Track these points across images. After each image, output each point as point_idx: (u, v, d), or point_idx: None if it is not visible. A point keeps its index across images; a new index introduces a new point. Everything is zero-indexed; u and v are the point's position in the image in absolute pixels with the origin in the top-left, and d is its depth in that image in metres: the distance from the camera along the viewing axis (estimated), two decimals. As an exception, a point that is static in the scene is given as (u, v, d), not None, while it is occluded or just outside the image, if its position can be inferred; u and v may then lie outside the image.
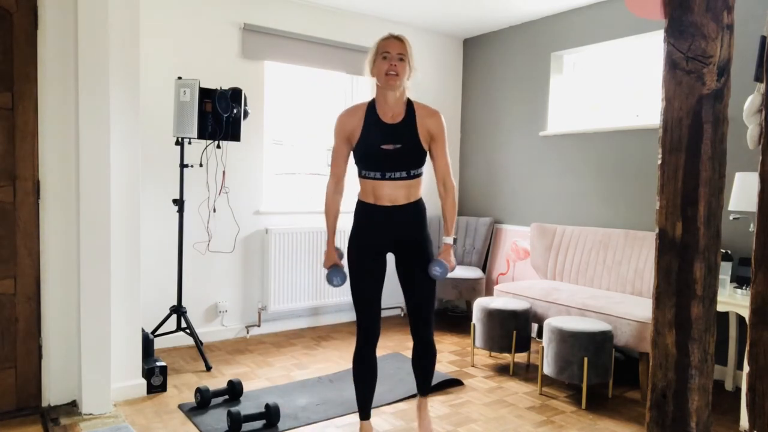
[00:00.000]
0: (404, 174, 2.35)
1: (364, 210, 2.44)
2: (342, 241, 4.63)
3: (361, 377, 2.51)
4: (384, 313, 4.97)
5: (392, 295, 4.62)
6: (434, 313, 2.51)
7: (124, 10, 2.93)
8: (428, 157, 2.45)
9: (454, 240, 2.41)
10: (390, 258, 2.52)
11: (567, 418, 2.97)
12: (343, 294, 4.67)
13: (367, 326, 2.47)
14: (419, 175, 2.41)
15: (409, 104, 2.40)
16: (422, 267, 2.43)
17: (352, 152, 2.44)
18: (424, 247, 2.44)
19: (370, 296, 2.46)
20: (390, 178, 2.35)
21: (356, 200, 2.48)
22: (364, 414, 2.55)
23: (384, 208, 2.38)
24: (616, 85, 4.32)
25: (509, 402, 3.17)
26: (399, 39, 2.34)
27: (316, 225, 4.56)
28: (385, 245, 2.45)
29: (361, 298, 2.46)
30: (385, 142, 2.33)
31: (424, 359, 2.54)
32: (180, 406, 2.97)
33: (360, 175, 2.42)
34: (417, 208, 2.43)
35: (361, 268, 2.44)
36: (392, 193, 2.37)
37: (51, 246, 2.84)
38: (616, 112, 4.29)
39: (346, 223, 4.66)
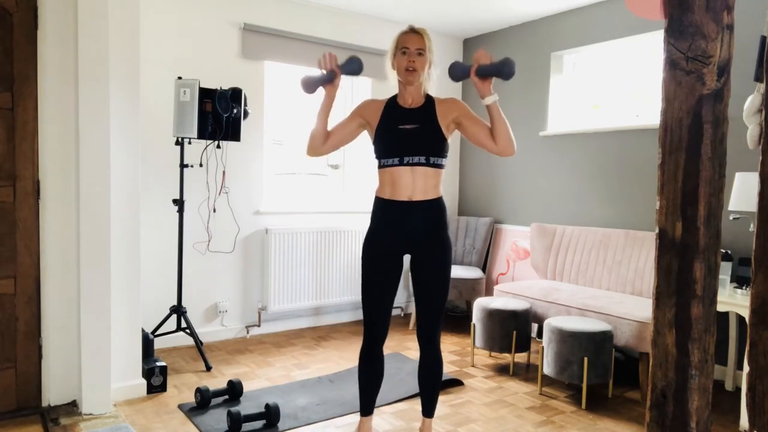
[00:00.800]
0: (423, 159, 2.31)
1: (380, 208, 2.41)
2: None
3: (367, 376, 2.50)
4: (384, 313, 4.98)
5: (392, 295, 4.62)
6: (442, 320, 2.47)
7: (124, 10, 2.93)
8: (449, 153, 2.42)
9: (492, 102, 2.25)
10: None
11: (567, 418, 2.97)
12: (344, 294, 4.67)
13: (377, 327, 2.45)
14: (439, 167, 2.35)
15: (428, 96, 2.43)
16: (436, 272, 2.38)
17: (372, 143, 2.42)
18: (441, 251, 2.38)
19: (382, 301, 2.43)
20: (408, 164, 2.31)
21: (373, 199, 2.46)
22: (366, 411, 2.55)
23: (400, 203, 2.34)
24: (616, 85, 4.32)
25: (509, 402, 3.17)
26: (418, 33, 2.34)
27: (316, 225, 4.56)
28: (401, 247, 2.40)
29: (371, 302, 2.43)
30: (403, 122, 2.35)
31: (430, 372, 2.48)
32: (180, 406, 2.97)
33: (379, 167, 2.39)
34: (436, 206, 2.37)
35: (374, 271, 2.41)
36: (410, 182, 2.32)
37: (51, 246, 2.84)
38: (616, 112, 4.29)
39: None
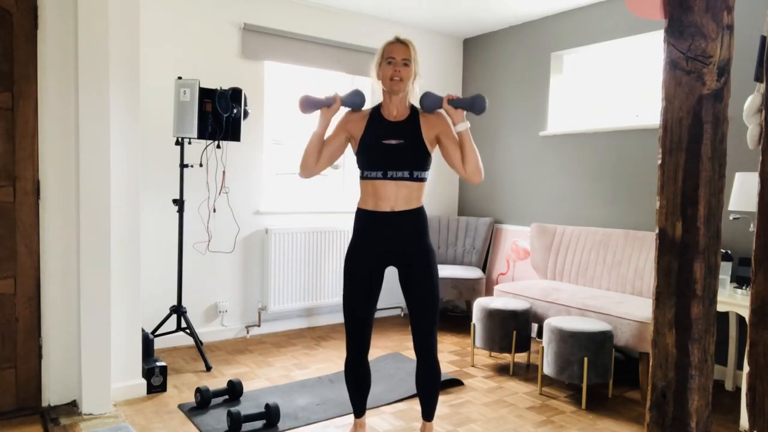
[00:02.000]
0: (406, 174, 2.32)
1: (363, 219, 2.40)
2: (341, 248, 4.63)
3: (354, 386, 2.53)
4: (384, 314, 4.98)
5: (392, 295, 4.62)
6: (437, 327, 2.45)
7: (124, 10, 2.93)
8: (434, 162, 2.42)
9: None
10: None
11: (567, 418, 2.97)
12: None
13: (358, 339, 2.45)
14: (422, 180, 2.37)
15: (413, 108, 2.42)
16: (425, 280, 2.38)
17: (355, 154, 2.42)
18: (427, 258, 2.38)
19: (365, 314, 2.43)
20: (392, 178, 2.32)
21: (356, 210, 2.44)
22: (359, 414, 2.59)
23: (383, 214, 2.34)
24: (616, 85, 4.32)
25: (509, 402, 3.17)
26: (404, 44, 2.34)
27: (316, 225, 4.56)
28: (385, 259, 2.40)
29: (354, 316, 2.43)
30: (387, 137, 2.34)
31: (427, 380, 2.48)
32: (180, 406, 2.97)
33: (362, 178, 2.39)
34: (418, 216, 2.38)
35: (355, 285, 2.41)
36: (393, 194, 2.32)
37: (51, 246, 2.84)
38: (616, 112, 4.29)
39: (344, 224, 4.69)
